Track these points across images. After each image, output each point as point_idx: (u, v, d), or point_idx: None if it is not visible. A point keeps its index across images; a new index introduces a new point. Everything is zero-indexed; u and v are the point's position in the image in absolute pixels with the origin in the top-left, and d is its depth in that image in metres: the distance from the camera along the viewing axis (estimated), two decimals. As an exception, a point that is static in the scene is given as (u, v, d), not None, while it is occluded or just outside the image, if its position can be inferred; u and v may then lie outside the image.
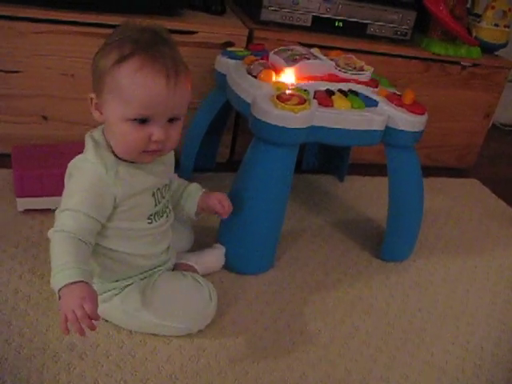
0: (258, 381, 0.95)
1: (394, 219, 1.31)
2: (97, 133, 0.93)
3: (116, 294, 0.98)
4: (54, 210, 1.25)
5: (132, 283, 0.99)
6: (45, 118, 1.48)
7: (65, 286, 0.78)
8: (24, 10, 1.34)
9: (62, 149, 1.36)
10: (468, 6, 1.86)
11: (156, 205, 0.97)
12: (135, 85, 0.84)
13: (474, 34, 1.81)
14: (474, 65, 1.78)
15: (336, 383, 0.98)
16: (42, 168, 1.25)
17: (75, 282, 0.78)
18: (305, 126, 1.11)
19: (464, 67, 1.77)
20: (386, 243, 1.34)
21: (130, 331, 0.99)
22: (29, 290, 1.05)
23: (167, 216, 1.02)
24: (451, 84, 1.79)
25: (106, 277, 0.98)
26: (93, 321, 0.77)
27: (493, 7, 1.82)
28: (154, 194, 0.97)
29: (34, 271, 1.10)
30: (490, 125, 2.03)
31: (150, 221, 0.97)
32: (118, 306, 0.98)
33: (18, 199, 1.25)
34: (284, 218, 1.21)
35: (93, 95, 0.90)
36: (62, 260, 0.81)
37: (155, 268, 1.03)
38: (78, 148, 1.35)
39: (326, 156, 1.74)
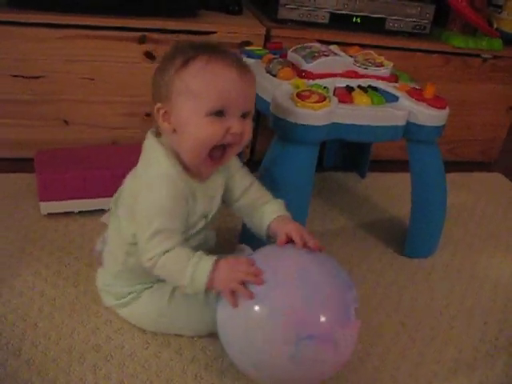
0: (284, 380, 0.94)
1: (417, 215, 1.29)
2: (161, 140, 0.92)
3: (134, 299, 0.98)
4: (77, 213, 1.28)
5: (151, 286, 0.99)
6: (66, 122, 1.49)
7: (209, 274, 0.83)
8: (44, 16, 1.36)
9: (84, 152, 1.37)
10: (488, -3, 1.83)
11: (204, 226, 0.97)
12: (206, 78, 0.85)
13: (494, 26, 1.78)
14: (496, 57, 1.75)
15: (364, 381, 0.97)
16: (64, 172, 1.26)
17: (213, 264, 0.84)
18: (325, 124, 1.10)
19: (485, 59, 1.75)
20: (410, 239, 1.33)
21: (155, 332, 1.00)
22: (54, 293, 1.06)
23: (204, 232, 1.00)
24: (472, 77, 1.77)
25: (126, 278, 0.98)
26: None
27: (514, -3, 1.78)
28: (206, 217, 0.96)
29: (59, 274, 1.11)
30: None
31: (191, 237, 0.95)
32: (138, 309, 0.99)
33: (41, 203, 1.26)
34: (306, 216, 1.20)
35: (159, 105, 0.89)
36: (187, 265, 0.84)
37: None
38: (100, 151, 1.38)
39: (347, 153, 1.72)
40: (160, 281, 0.98)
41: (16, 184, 1.39)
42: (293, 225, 0.93)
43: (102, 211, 1.30)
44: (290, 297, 0.82)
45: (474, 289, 1.26)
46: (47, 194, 1.25)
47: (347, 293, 0.85)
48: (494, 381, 1.02)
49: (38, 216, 1.27)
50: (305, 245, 0.89)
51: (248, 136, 0.91)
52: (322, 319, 0.81)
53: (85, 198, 1.29)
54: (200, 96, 0.85)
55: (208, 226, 0.99)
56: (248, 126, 0.90)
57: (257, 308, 0.82)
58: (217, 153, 0.90)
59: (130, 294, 0.99)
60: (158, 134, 0.94)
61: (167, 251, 0.85)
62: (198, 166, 0.91)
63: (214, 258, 0.86)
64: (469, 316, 1.18)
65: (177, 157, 0.90)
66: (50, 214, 1.28)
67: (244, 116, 0.89)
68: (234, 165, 1.02)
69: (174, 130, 0.89)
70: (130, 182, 0.96)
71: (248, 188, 1.01)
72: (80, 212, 1.30)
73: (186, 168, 0.91)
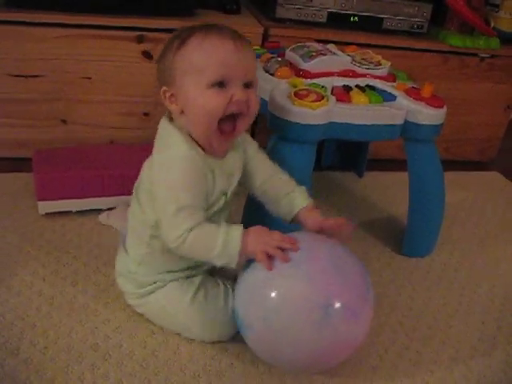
0: (282, 379, 0.94)
1: (415, 214, 1.29)
2: (175, 124, 0.93)
3: (160, 287, 0.98)
4: (75, 213, 1.29)
5: (177, 279, 0.99)
6: (64, 121, 1.49)
7: (241, 238, 0.86)
8: (42, 16, 1.36)
9: (82, 152, 1.37)
10: (485, -5, 1.83)
11: (224, 204, 0.97)
12: (204, 51, 0.87)
13: (492, 25, 1.78)
14: (493, 56, 1.76)
15: (362, 380, 0.97)
16: (62, 171, 1.26)
17: (243, 230, 0.87)
18: (323, 123, 1.10)
19: (482, 59, 1.75)
20: (408, 239, 1.33)
21: (153, 331, 1.00)
22: (52, 292, 1.06)
23: (227, 211, 1.01)
24: (470, 76, 1.77)
25: (151, 265, 0.98)
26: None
27: (511, -4, 1.79)
28: (225, 194, 0.97)
29: (57, 273, 1.11)
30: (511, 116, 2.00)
31: (213, 216, 0.96)
32: (159, 300, 0.98)
33: (39, 202, 1.26)
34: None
35: (164, 87, 0.91)
36: (217, 235, 0.86)
37: (199, 267, 1.01)
38: (98, 151, 1.38)
39: (345, 152, 1.72)
40: (186, 277, 0.99)
41: (14, 184, 1.39)
42: (322, 219, 0.96)
43: (100, 211, 1.30)
44: (324, 265, 0.86)
45: (471, 288, 1.27)
46: (45, 194, 1.25)
47: (368, 277, 0.91)
48: (492, 380, 1.02)
49: (36, 215, 1.27)
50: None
51: (255, 106, 0.92)
52: (351, 289, 0.86)
53: (83, 197, 1.28)
54: (200, 69, 0.87)
55: (228, 206, 1.00)
56: (253, 95, 0.91)
57: (293, 270, 0.84)
58: (227, 126, 0.91)
59: (155, 282, 0.98)
60: (171, 119, 0.94)
61: (193, 228, 0.86)
62: (211, 142, 0.91)
63: (241, 225, 0.88)
64: (466, 315, 1.18)
65: (191, 138, 0.92)
66: (47, 214, 1.28)
67: (247, 86, 0.90)
68: (251, 147, 1.03)
69: (182, 111, 0.91)
70: (148, 168, 0.96)
71: (271, 176, 1.03)
72: (78, 211, 1.30)
73: (201, 148, 0.92)
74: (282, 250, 0.86)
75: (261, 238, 0.87)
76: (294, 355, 0.86)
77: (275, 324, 0.84)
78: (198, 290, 0.98)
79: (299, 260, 0.85)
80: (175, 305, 0.97)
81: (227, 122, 0.90)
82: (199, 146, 0.92)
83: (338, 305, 0.83)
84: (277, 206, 1.03)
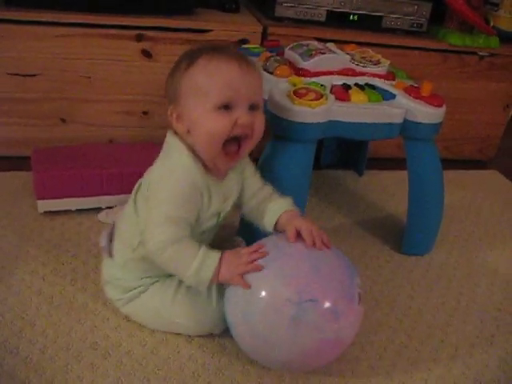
0: (280, 378, 0.95)
1: (414, 213, 1.29)
2: (183, 140, 0.94)
3: (142, 292, 0.99)
4: (74, 211, 1.28)
5: (157, 281, 0.99)
6: (63, 120, 1.49)
7: (215, 269, 0.87)
8: (41, 15, 1.36)
9: (82, 150, 1.37)
10: (485, -6, 1.83)
11: (215, 223, 0.99)
12: (210, 74, 0.88)
13: (491, 24, 1.78)
14: (492, 54, 1.76)
15: (361, 379, 0.97)
16: (61, 170, 1.26)
17: (219, 259, 0.87)
18: (322, 121, 1.10)
19: (482, 57, 1.75)
20: (407, 237, 1.33)
21: (153, 330, 1.00)
22: (51, 291, 1.06)
23: (214, 232, 1.02)
24: (469, 75, 1.77)
25: (134, 271, 0.98)
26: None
27: (510, -5, 1.79)
28: (218, 215, 0.98)
29: (56, 272, 1.11)
30: (511, 115, 2.00)
31: (202, 234, 0.97)
32: (144, 304, 0.99)
33: (38, 201, 1.26)
34: (304, 214, 1.20)
35: (171, 108, 0.92)
36: (194, 257, 0.87)
37: None
38: (97, 149, 1.38)
39: (344, 151, 1.72)
40: (167, 276, 0.99)
41: (13, 182, 1.39)
42: (302, 220, 0.94)
43: (99, 209, 1.30)
44: (298, 263, 0.86)
45: (470, 286, 1.27)
46: (44, 192, 1.25)
47: (352, 276, 0.89)
48: (491, 378, 1.02)
49: (35, 214, 1.27)
50: (313, 244, 0.90)
51: (260, 128, 0.92)
52: (328, 287, 0.85)
53: (82, 196, 1.28)
54: (206, 92, 0.87)
55: (217, 227, 1.01)
56: (258, 118, 0.91)
57: (264, 269, 0.86)
58: (232, 147, 0.91)
59: (139, 287, 0.99)
60: (175, 134, 0.95)
61: (176, 241, 0.87)
62: (215, 162, 0.92)
63: (219, 253, 0.88)
64: (465, 314, 1.18)
65: (196, 155, 0.92)
66: (46, 212, 1.28)
67: (252, 108, 0.90)
68: (249, 169, 1.04)
69: (188, 131, 0.91)
70: (148, 175, 0.97)
71: (259, 189, 1.03)
72: (77, 210, 1.30)
73: (204, 166, 0.93)
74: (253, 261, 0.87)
75: (232, 264, 0.87)
76: (277, 354, 0.86)
77: (253, 321, 0.85)
78: (180, 284, 0.98)
79: (273, 257, 0.86)
80: (159, 303, 0.98)
81: (232, 143, 0.91)
82: (202, 164, 0.92)
83: (312, 300, 0.82)
84: (260, 218, 1.02)
